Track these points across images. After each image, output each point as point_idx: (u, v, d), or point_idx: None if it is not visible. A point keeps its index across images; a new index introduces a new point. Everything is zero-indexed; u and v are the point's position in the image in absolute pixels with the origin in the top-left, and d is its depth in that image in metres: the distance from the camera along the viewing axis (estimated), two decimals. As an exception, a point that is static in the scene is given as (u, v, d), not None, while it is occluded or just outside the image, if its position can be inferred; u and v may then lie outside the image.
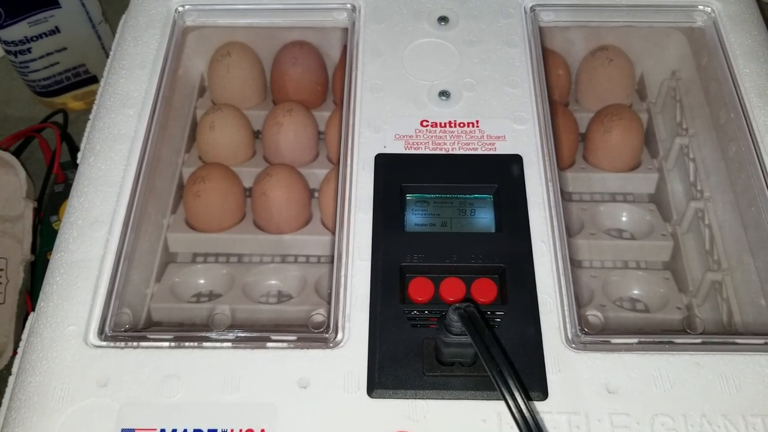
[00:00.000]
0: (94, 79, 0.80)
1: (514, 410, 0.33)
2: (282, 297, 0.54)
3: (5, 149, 0.73)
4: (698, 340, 0.42)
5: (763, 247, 0.48)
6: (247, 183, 0.58)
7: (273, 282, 0.55)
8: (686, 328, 0.46)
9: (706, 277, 0.52)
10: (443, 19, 0.56)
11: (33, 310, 0.63)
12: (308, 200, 0.57)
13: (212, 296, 0.54)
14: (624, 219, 0.57)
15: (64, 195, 0.71)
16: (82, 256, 0.45)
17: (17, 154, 0.75)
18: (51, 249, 0.68)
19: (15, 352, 0.63)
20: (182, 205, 0.57)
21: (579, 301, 0.45)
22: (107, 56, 0.57)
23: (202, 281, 0.55)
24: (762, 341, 0.42)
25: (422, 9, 0.57)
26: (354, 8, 0.57)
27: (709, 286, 0.52)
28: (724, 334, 0.47)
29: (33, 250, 0.68)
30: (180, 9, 0.58)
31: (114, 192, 0.47)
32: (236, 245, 0.56)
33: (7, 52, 0.75)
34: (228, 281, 0.54)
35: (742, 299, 0.50)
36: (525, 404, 0.33)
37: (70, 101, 0.81)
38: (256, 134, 0.62)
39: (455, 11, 0.57)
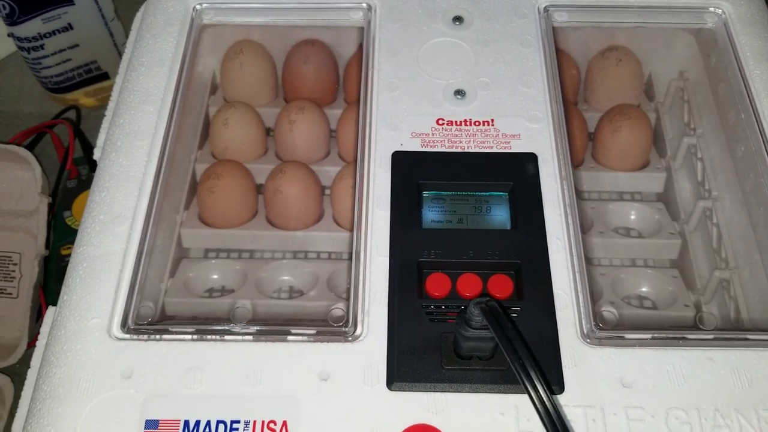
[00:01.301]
0: (106, 76, 0.81)
1: (537, 403, 0.34)
2: (294, 293, 0.55)
3: (18, 145, 0.73)
4: (711, 336, 0.42)
5: (771, 246, 0.48)
6: (260, 180, 0.59)
7: (285, 278, 0.55)
8: (698, 324, 0.46)
9: (714, 276, 0.52)
10: (458, 19, 0.57)
11: (47, 304, 0.64)
12: (320, 197, 0.57)
13: (225, 291, 0.55)
14: (632, 217, 0.58)
15: (77, 190, 0.72)
16: (104, 250, 0.45)
17: (29, 149, 0.76)
18: (64, 244, 0.69)
19: (30, 345, 0.64)
20: (195, 201, 0.57)
21: (592, 296, 0.45)
22: (119, 53, 0.58)
23: (215, 276, 0.55)
24: (773, 337, 0.42)
25: (437, 9, 0.57)
26: (369, 8, 0.58)
27: (717, 284, 0.53)
28: (736, 330, 0.48)
29: (47, 245, 0.68)
30: (198, 7, 0.58)
31: (135, 187, 0.48)
32: (249, 241, 0.57)
33: (20, 48, 0.75)
34: (241, 277, 0.55)
35: (749, 297, 0.50)
36: (548, 397, 0.34)
37: (82, 97, 0.81)
38: (268, 131, 0.62)
39: (470, 11, 0.57)
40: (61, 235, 0.69)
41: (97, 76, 0.80)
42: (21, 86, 0.85)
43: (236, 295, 0.53)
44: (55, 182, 0.73)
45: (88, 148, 0.76)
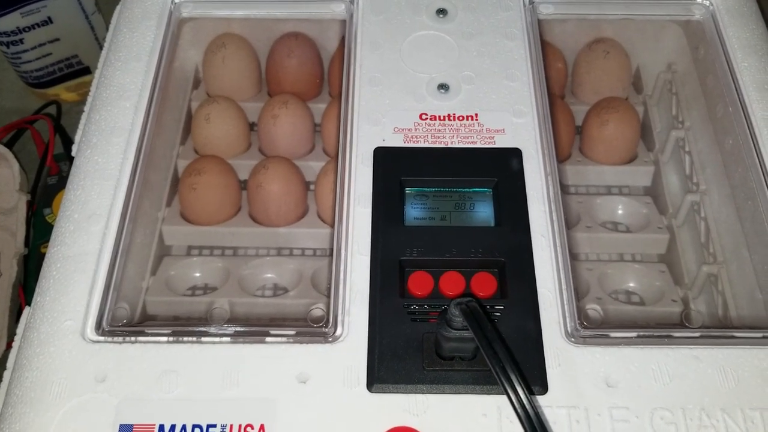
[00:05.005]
0: (87, 70, 0.80)
1: (517, 405, 0.33)
2: (278, 290, 0.54)
3: (-3, 141, 0.72)
4: (697, 334, 0.42)
5: (759, 241, 0.48)
6: (243, 175, 0.58)
7: (269, 275, 0.54)
8: (685, 321, 0.46)
9: (702, 270, 0.52)
10: (442, 12, 0.56)
11: (26, 303, 0.63)
12: (304, 193, 0.56)
13: (207, 289, 0.54)
14: (620, 212, 0.57)
15: (58, 187, 0.71)
16: (78, 250, 0.44)
17: (9, 146, 0.75)
18: (44, 242, 0.68)
19: (8, 346, 0.63)
20: (177, 197, 0.56)
21: (577, 294, 0.45)
22: (100, 47, 0.57)
23: (197, 274, 0.55)
24: (760, 335, 0.42)
25: (421, 1, 0.57)
26: (352, 0, 0.57)
27: (705, 279, 0.52)
28: (722, 328, 0.47)
29: (26, 243, 0.67)
30: (176, 0, 0.57)
31: (111, 185, 0.47)
32: (232, 238, 0.56)
33: (-1, 42, 0.74)
34: (224, 274, 0.54)
35: (737, 292, 0.50)
36: (528, 399, 0.33)
37: (63, 92, 0.80)
38: (251, 126, 0.61)
39: (454, 3, 0.56)
40: (41, 233, 0.68)
41: (78, 70, 0.80)
42: (1, 81, 0.84)
43: (218, 294, 0.52)
44: (35, 179, 0.72)
45: (69, 143, 0.75)
